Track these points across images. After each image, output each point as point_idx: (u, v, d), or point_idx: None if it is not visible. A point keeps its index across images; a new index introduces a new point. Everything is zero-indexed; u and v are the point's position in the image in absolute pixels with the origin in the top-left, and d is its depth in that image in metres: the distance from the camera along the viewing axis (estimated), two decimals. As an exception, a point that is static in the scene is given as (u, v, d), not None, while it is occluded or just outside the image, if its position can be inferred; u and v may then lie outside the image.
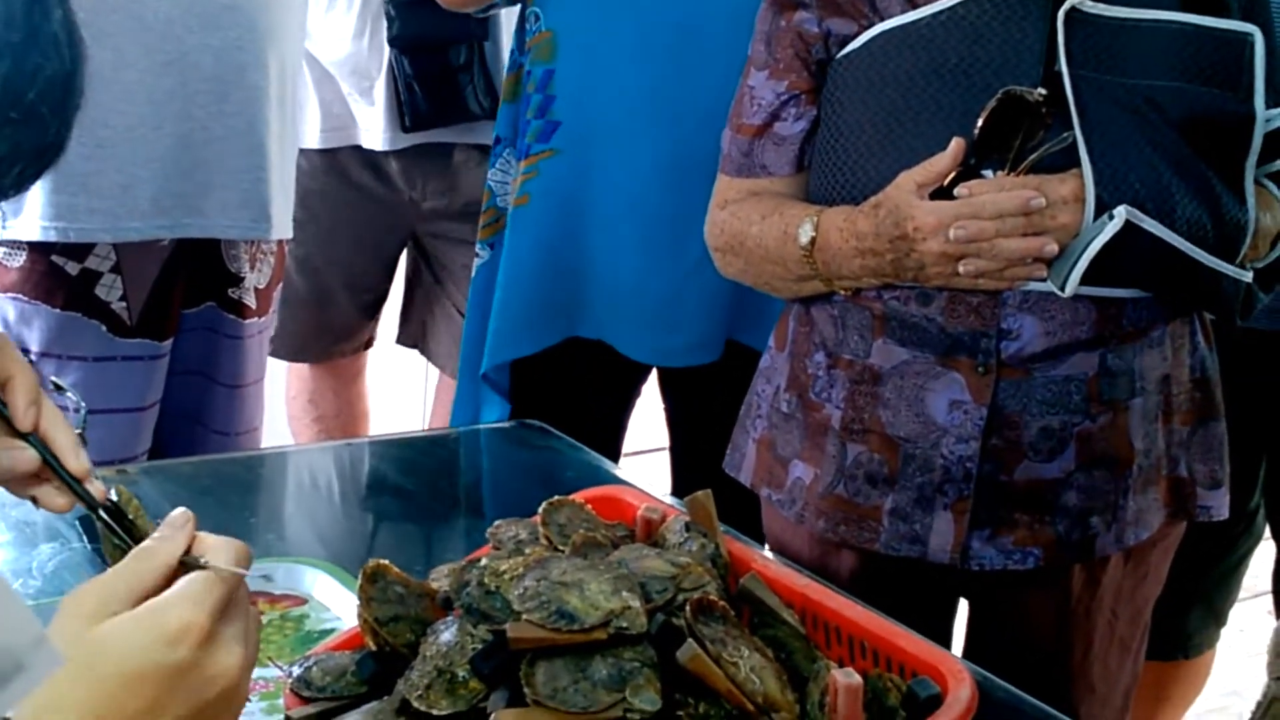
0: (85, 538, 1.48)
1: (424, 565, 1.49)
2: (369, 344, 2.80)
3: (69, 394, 1.01)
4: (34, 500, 0.99)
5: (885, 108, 1.52)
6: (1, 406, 0.94)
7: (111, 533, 0.94)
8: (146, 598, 0.81)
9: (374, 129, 2.49)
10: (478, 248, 2.15)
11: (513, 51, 2.10)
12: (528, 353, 2.08)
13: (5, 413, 0.94)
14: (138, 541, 0.92)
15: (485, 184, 2.12)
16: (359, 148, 2.52)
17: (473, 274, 2.15)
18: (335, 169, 2.54)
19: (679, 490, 2.23)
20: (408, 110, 2.44)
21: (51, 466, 0.95)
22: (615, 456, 2.21)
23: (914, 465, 1.55)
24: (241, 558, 0.85)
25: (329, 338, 2.70)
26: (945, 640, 1.72)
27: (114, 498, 0.95)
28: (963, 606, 1.74)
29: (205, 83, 1.91)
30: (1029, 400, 1.52)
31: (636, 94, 1.98)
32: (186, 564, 0.84)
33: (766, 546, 1.80)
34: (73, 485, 0.96)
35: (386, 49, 2.45)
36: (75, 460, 0.97)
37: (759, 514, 1.77)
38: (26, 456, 0.94)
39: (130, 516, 0.94)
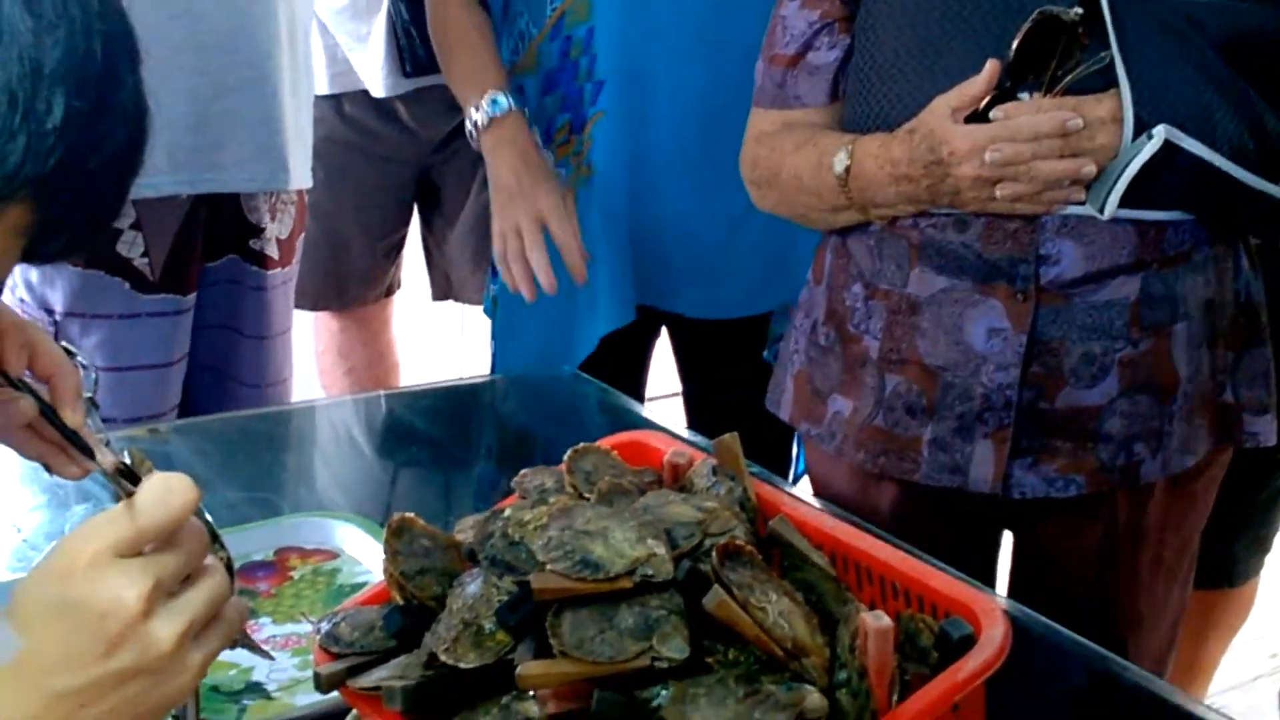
0: (117, 500, 1.47)
1: (454, 516, 1.48)
2: (390, 291, 2.78)
3: (79, 357, 0.99)
4: (46, 467, 0.97)
5: (919, 33, 1.48)
6: None
7: (126, 495, 0.92)
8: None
9: (374, 76, 2.46)
10: None
11: (521, 19, 2.00)
12: (614, 328, 2.00)
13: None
14: None
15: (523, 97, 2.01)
16: (365, 92, 2.49)
17: None
18: (341, 113, 2.51)
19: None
20: (407, 57, 2.41)
21: (47, 416, 0.93)
22: (639, 401, 2.18)
23: (953, 394, 1.52)
24: (172, 492, 0.78)
25: (348, 284, 2.67)
26: (989, 573, 1.69)
27: (127, 460, 0.93)
28: (1007, 539, 1.72)
29: (215, 35, 1.88)
30: (1069, 326, 1.48)
31: (678, 40, 1.91)
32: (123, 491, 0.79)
33: (808, 481, 1.78)
34: (67, 434, 0.93)
35: None
36: (72, 414, 0.95)
37: (788, 452, 1.74)
38: (21, 406, 0.92)
39: (143, 476, 0.91)
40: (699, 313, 2.09)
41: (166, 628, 0.75)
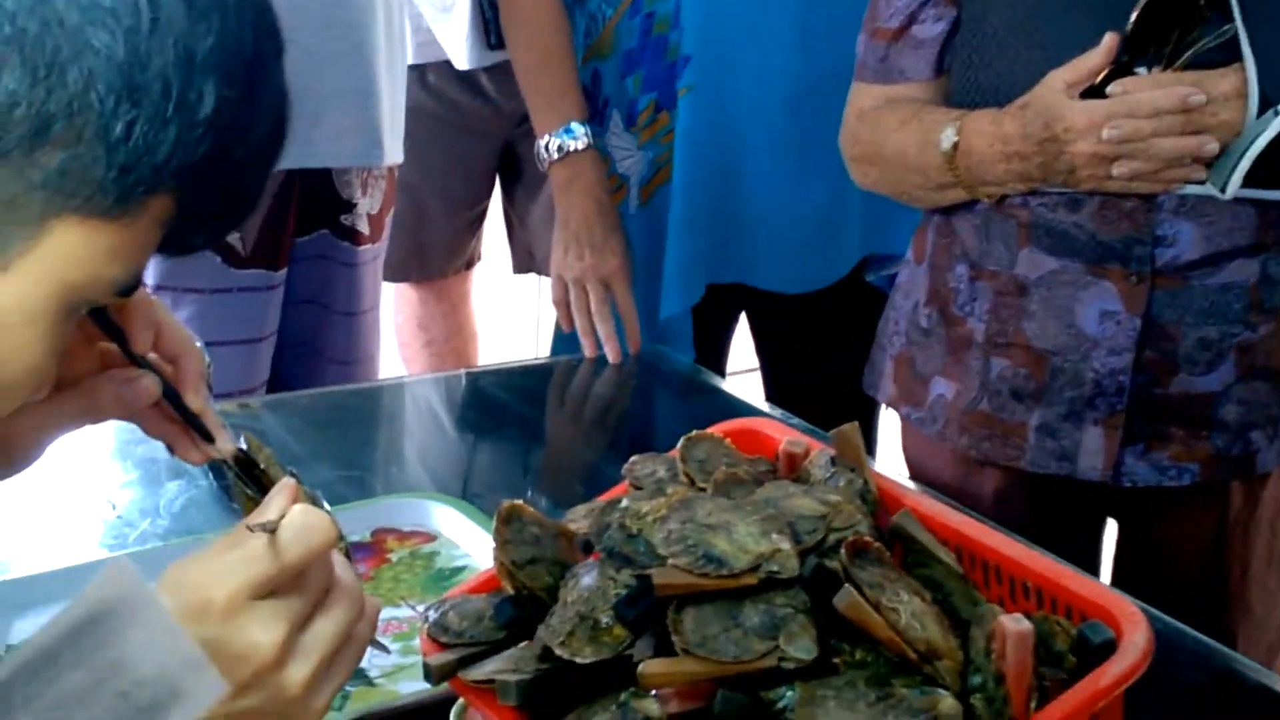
0: (211, 475, 1.47)
1: (553, 497, 1.46)
2: (471, 263, 2.76)
3: (195, 342, 0.97)
4: (169, 448, 0.96)
5: (1032, 4, 1.44)
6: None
7: (242, 483, 0.90)
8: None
9: (458, 48, 2.43)
10: None
11: (593, 2, 1.96)
12: (692, 303, 1.98)
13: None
14: (267, 491, 0.89)
15: (602, 150, 1.97)
16: (448, 63, 2.46)
17: None
18: (426, 84, 2.49)
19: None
20: (491, 28, 2.38)
21: (169, 398, 0.91)
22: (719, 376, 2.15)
23: (1062, 379, 1.48)
24: (311, 532, 0.77)
25: (429, 256, 2.66)
26: (1092, 562, 1.65)
27: (244, 446, 0.91)
28: (1110, 526, 1.68)
29: (311, 11, 1.85)
30: (1185, 310, 1.44)
31: (768, 10, 1.86)
32: (263, 526, 0.77)
33: (905, 464, 1.74)
34: (189, 418, 0.92)
35: None
36: (195, 396, 0.93)
37: (871, 430, 1.71)
38: (144, 385, 0.91)
39: (261, 465, 0.90)
40: (780, 287, 2.05)
41: (298, 672, 0.76)
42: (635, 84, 1.94)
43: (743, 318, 2.20)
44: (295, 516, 0.77)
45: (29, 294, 0.71)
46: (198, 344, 0.96)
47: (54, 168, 0.68)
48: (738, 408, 1.71)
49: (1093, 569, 1.64)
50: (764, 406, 1.78)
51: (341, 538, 0.86)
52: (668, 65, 1.92)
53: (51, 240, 0.70)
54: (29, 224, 0.69)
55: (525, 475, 1.65)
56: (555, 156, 1.93)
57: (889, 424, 1.89)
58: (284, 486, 0.81)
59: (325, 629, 0.78)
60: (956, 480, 1.60)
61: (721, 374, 2.15)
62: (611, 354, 1.91)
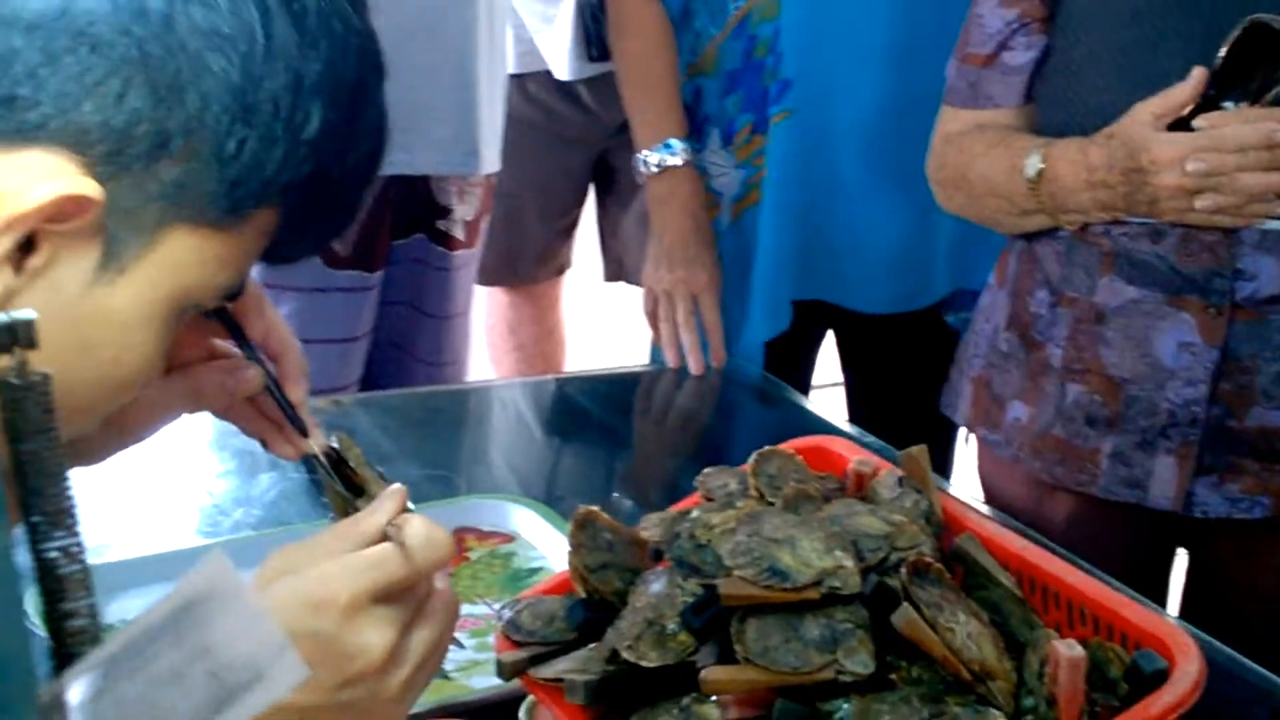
0: (305, 468, 1.52)
1: (630, 506, 1.50)
2: (562, 270, 2.81)
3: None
4: (263, 443, 1.00)
5: (1122, 36, 1.45)
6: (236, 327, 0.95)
7: (332, 480, 0.95)
8: None
9: (560, 59, 2.48)
10: None
11: (698, 19, 1.99)
12: (779, 331, 2.02)
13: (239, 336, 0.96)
14: (357, 490, 0.93)
15: (699, 167, 2.01)
16: (548, 73, 2.51)
17: None
18: (525, 94, 2.54)
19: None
20: (594, 41, 2.42)
21: (271, 391, 0.96)
22: (805, 393, 2.18)
23: (1137, 408, 1.49)
24: (430, 546, 0.81)
25: (522, 262, 2.71)
26: (1161, 590, 1.66)
27: (335, 445, 0.95)
28: (1181, 556, 1.68)
29: (414, 22, 1.91)
30: (1264, 344, 1.44)
31: (865, 36, 1.89)
32: (388, 533, 0.82)
33: (980, 486, 1.76)
34: (288, 411, 0.96)
35: None
36: (295, 390, 0.98)
37: (949, 450, 1.73)
38: (249, 375, 0.96)
39: (351, 465, 0.94)
40: (868, 308, 2.08)
41: (399, 675, 0.80)
42: (735, 104, 1.98)
43: (830, 335, 2.23)
44: (420, 529, 0.81)
45: (143, 296, 0.75)
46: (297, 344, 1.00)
47: (170, 181, 0.73)
48: (814, 424, 1.74)
49: (1161, 598, 1.65)
50: (843, 424, 1.80)
51: None
52: (764, 89, 1.95)
53: (165, 247, 0.75)
54: (145, 232, 0.74)
55: (605, 481, 1.69)
56: (654, 171, 1.97)
57: (967, 446, 1.91)
58: (394, 493, 0.85)
59: (426, 636, 0.82)
60: (1029, 503, 1.61)
61: (806, 388, 2.18)
62: (694, 365, 1.95)
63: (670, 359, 1.97)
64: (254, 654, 0.34)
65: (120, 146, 0.71)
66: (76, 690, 0.35)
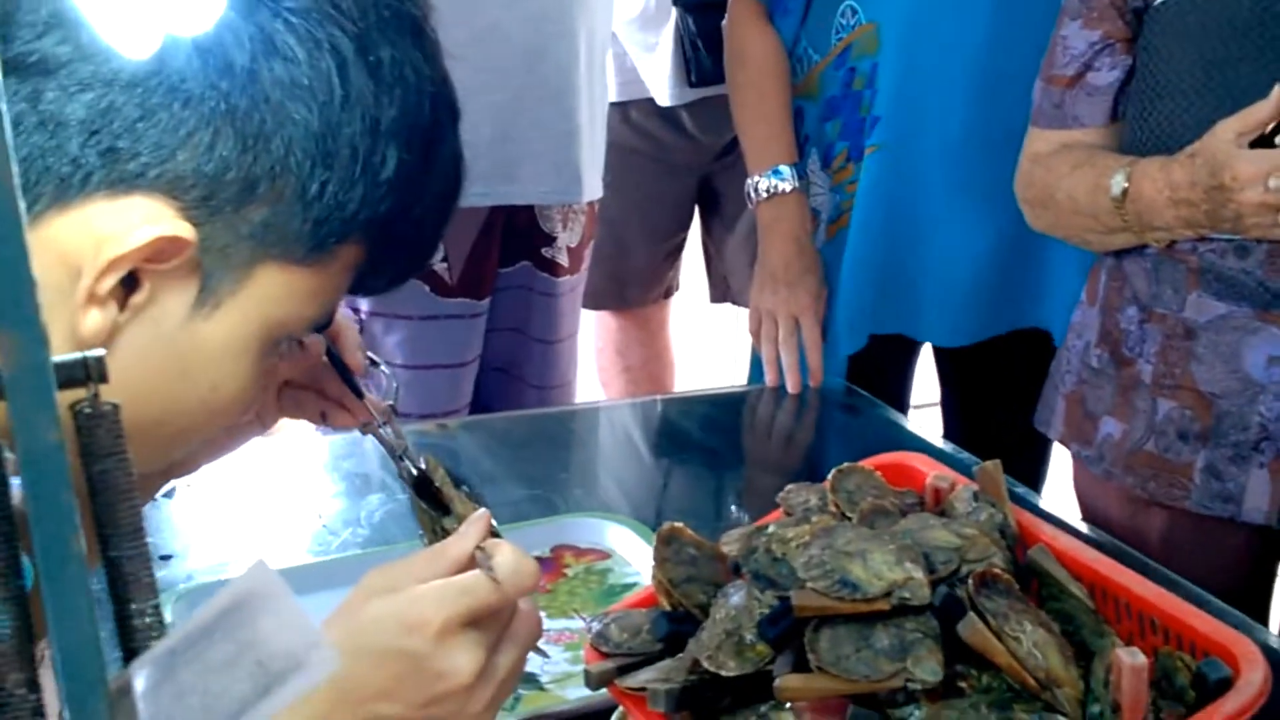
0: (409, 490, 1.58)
1: (722, 522, 1.54)
2: (669, 293, 2.85)
3: (383, 367, 1.08)
4: (323, 417, 1.06)
5: (1205, 55, 1.47)
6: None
7: (420, 498, 1.00)
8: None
9: (661, 85, 2.53)
10: None
11: (801, 44, 2.05)
12: (854, 350, 2.07)
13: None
14: (444, 509, 0.99)
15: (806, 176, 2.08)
16: (651, 100, 2.56)
17: None
18: (628, 121, 2.60)
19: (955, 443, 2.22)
20: (693, 67, 2.47)
21: (330, 355, 1.02)
22: (904, 410, 2.21)
23: (1229, 422, 1.50)
24: (518, 575, 0.87)
25: (629, 285, 2.77)
26: (1263, 605, 1.65)
27: (422, 465, 1.01)
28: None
29: (517, 54, 1.97)
30: (1353, 357, 1.44)
31: (957, 74, 1.92)
32: (477, 560, 0.87)
33: (1077, 502, 1.77)
34: (345, 376, 1.02)
35: (672, 9, 2.48)
36: (352, 357, 1.04)
37: (1043, 467, 1.74)
38: (313, 340, 1.02)
39: (437, 484, 1.00)
40: (945, 342, 2.13)
41: (484, 695, 0.85)
42: (834, 130, 2.04)
43: (928, 350, 2.25)
44: (510, 558, 0.87)
45: (237, 329, 0.82)
46: (384, 370, 1.06)
47: (259, 221, 0.79)
48: (906, 440, 1.77)
49: (1263, 611, 1.64)
50: (938, 440, 1.83)
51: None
52: (859, 120, 2.00)
53: (256, 283, 0.81)
54: (237, 269, 0.80)
55: (701, 499, 1.73)
56: (763, 197, 2.03)
57: (1061, 463, 1.91)
58: (480, 518, 0.91)
59: (510, 656, 0.88)
60: (1124, 518, 1.63)
61: (904, 406, 2.21)
62: (791, 384, 2.00)
63: (770, 378, 2.02)
64: (293, 646, 0.38)
65: (212, 191, 0.77)
66: (141, 678, 0.40)
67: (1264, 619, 1.61)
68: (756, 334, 2.06)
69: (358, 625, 0.84)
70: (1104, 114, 1.60)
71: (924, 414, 2.40)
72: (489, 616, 0.87)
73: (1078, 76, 1.60)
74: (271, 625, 0.39)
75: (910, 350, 2.22)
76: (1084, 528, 1.59)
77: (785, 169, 2.02)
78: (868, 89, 1.98)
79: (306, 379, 1.04)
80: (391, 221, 0.83)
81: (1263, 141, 1.40)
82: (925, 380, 2.31)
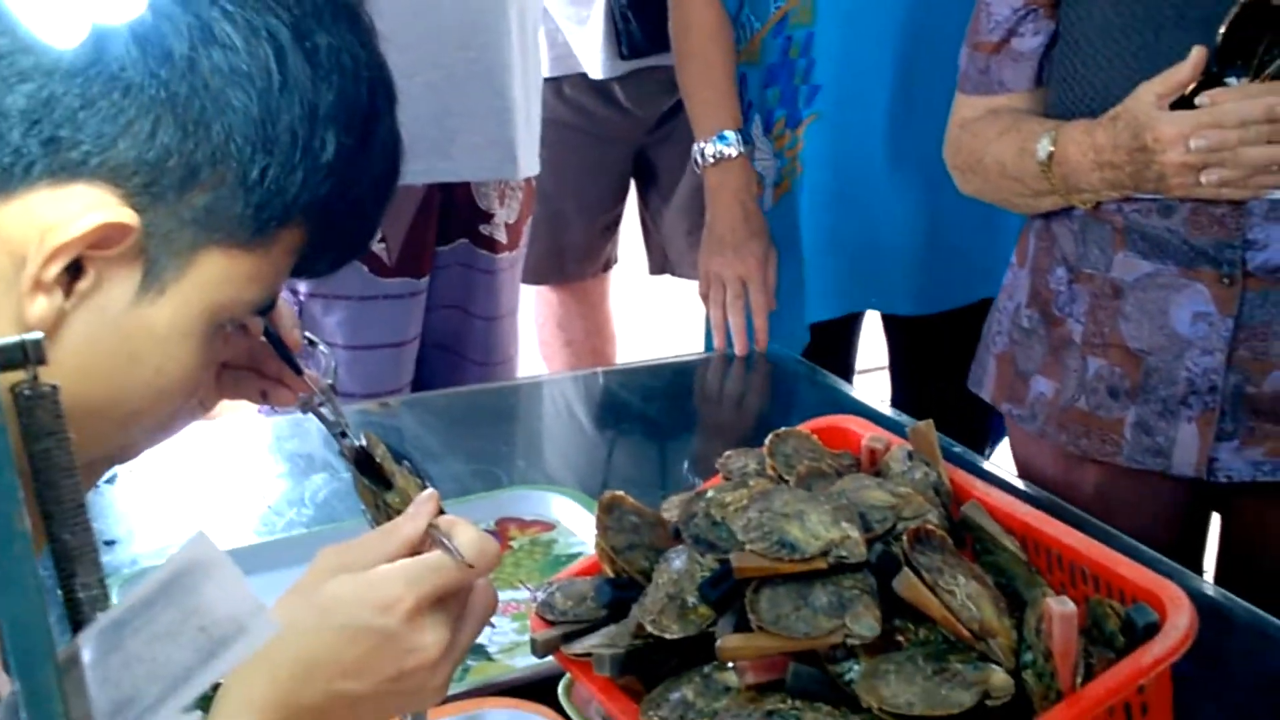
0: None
1: (667, 491, 1.55)
2: (608, 266, 2.87)
3: (320, 346, 1.09)
4: (264, 396, 1.07)
5: (1125, 18, 1.49)
6: None
7: (362, 475, 1.01)
8: (385, 563, 0.88)
9: (593, 58, 2.54)
10: None
11: (744, 11, 2.08)
12: (820, 319, 2.11)
13: None
14: (385, 484, 1.00)
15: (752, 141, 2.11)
16: (583, 74, 2.57)
17: None
18: (562, 96, 2.60)
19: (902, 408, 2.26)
20: (624, 39, 2.48)
21: (268, 335, 1.03)
22: (849, 375, 2.26)
23: (1157, 378, 1.53)
24: (483, 555, 0.89)
25: (567, 260, 2.77)
26: (1197, 555, 1.69)
27: (362, 442, 1.02)
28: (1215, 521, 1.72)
29: (450, 29, 1.97)
30: (1277, 310, 1.48)
31: (893, 43, 1.96)
32: (432, 536, 0.90)
33: (1011, 458, 1.80)
34: (283, 353, 1.03)
35: None
36: (289, 335, 1.05)
37: (987, 428, 1.77)
38: (252, 321, 1.02)
39: (378, 460, 1.01)
40: (903, 310, 2.16)
41: (444, 673, 0.88)
42: (774, 97, 2.07)
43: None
44: (474, 538, 0.90)
45: (181, 313, 0.82)
46: (323, 349, 1.07)
47: (201, 207, 0.80)
48: (849, 406, 1.79)
49: (1196, 562, 1.68)
50: (881, 406, 1.85)
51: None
52: (794, 88, 2.04)
53: (200, 268, 0.82)
54: (181, 254, 0.81)
55: (645, 469, 1.75)
56: (710, 162, 2.07)
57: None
58: (429, 497, 0.93)
59: (468, 632, 0.91)
60: (1059, 476, 1.66)
61: (850, 370, 2.24)
62: (738, 347, 2.04)
63: (717, 341, 2.06)
64: (235, 612, 0.40)
65: (154, 178, 0.78)
66: (88, 649, 0.41)
67: (1198, 569, 1.65)
68: (705, 297, 2.10)
69: (322, 603, 0.86)
70: (1029, 79, 1.62)
71: (870, 378, 2.43)
72: (452, 594, 0.89)
73: (1002, 42, 1.62)
74: (213, 592, 0.40)
75: (856, 315, 2.24)
76: (1020, 483, 1.62)
77: (730, 134, 2.05)
78: (802, 58, 2.01)
79: (245, 359, 1.04)
80: (332, 204, 0.84)
81: (1183, 103, 1.42)
82: (871, 346, 2.34)
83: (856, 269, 2.09)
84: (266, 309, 0.91)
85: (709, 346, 2.14)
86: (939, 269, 2.08)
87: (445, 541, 0.89)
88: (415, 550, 0.89)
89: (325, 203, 0.84)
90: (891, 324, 2.27)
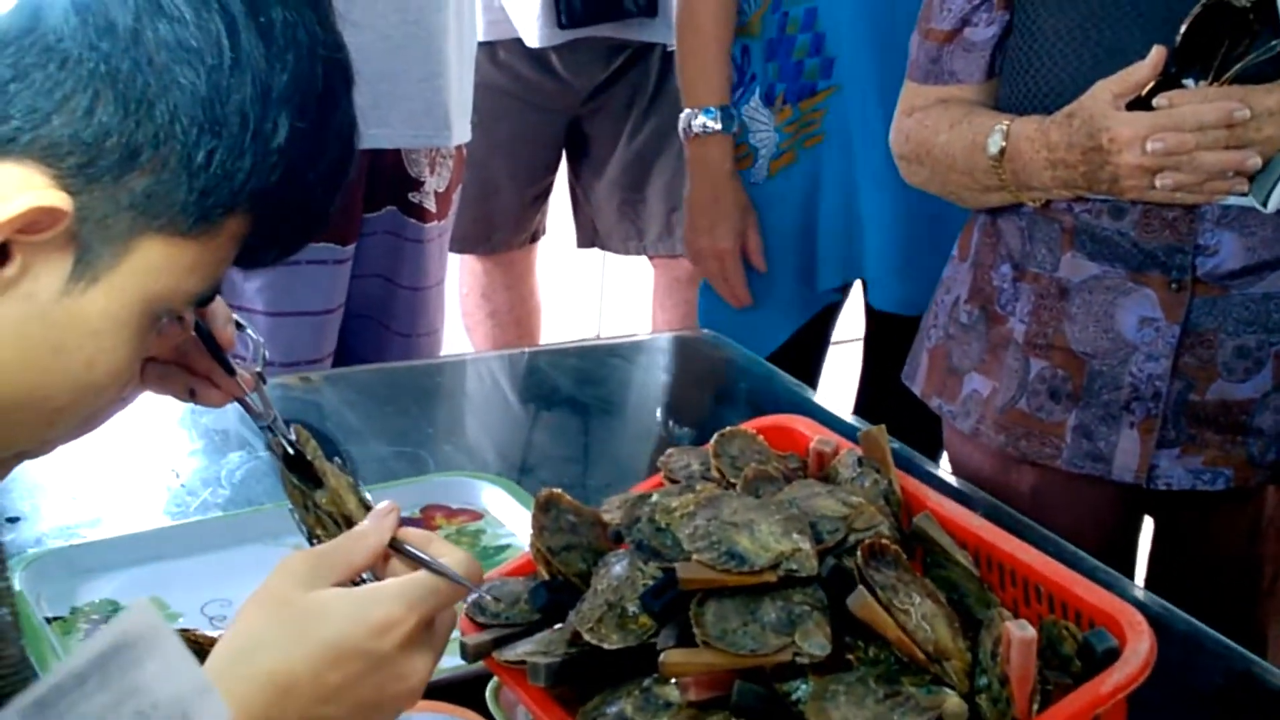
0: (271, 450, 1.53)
1: (594, 479, 1.51)
2: (536, 237, 2.82)
3: (249, 331, 1.03)
4: (191, 394, 1.02)
5: (1082, 13, 1.46)
6: None
7: (291, 472, 0.96)
8: (353, 574, 0.86)
9: (530, 26, 2.48)
10: None
11: None
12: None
13: None
14: (318, 480, 0.94)
15: (737, 117, 2.09)
16: (519, 40, 2.51)
17: None
18: (496, 61, 2.54)
19: (862, 406, 2.23)
20: (563, 8, 2.43)
21: (199, 332, 0.98)
22: (824, 345, 2.27)
23: (1100, 382, 1.51)
24: (473, 574, 0.88)
25: (495, 229, 2.72)
26: (1128, 559, 1.68)
27: (293, 437, 0.96)
28: (1148, 524, 1.70)
29: None
30: (1224, 318, 1.46)
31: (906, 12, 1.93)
32: (396, 549, 0.87)
33: (945, 456, 1.78)
34: (215, 352, 0.98)
35: None
36: (221, 332, 1.00)
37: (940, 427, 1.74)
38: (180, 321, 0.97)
39: (309, 457, 0.95)
40: (896, 308, 2.13)
41: (423, 685, 0.86)
42: (774, 71, 2.06)
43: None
44: (462, 560, 0.88)
45: (115, 303, 0.77)
46: (251, 334, 1.02)
47: (141, 191, 0.74)
48: (788, 398, 1.76)
49: (1129, 567, 1.67)
50: (816, 396, 1.82)
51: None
52: (794, 64, 2.04)
53: (137, 256, 0.76)
54: (117, 241, 0.75)
55: (574, 454, 1.71)
56: (692, 133, 2.07)
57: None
58: (390, 508, 0.90)
59: (440, 643, 0.88)
60: (994, 476, 1.63)
61: (826, 342, 2.25)
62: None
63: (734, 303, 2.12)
64: (180, 694, 0.35)
65: (90, 159, 0.73)
66: (5, 733, 0.36)
67: (1129, 573, 1.64)
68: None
69: (313, 616, 0.81)
70: (981, 70, 1.58)
71: (846, 349, 2.41)
72: (441, 616, 0.87)
73: (955, 32, 1.59)
74: (154, 671, 0.35)
75: (834, 306, 2.24)
76: (966, 488, 1.59)
77: (715, 109, 2.06)
78: (803, 33, 2.02)
79: (173, 354, 0.98)
80: (281, 193, 0.78)
81: (1140, 103, 1.40)
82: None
83: (855, 244, 2.11)
84: (207, 300, 0.85)
85: (703, 321, 2.14)
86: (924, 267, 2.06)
87: (429, 560, 0.86)
88: (375, 560, 0.87)
89: (274, 191, 0.78)
90: (871, 317, 2.25)
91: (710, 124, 2.05)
